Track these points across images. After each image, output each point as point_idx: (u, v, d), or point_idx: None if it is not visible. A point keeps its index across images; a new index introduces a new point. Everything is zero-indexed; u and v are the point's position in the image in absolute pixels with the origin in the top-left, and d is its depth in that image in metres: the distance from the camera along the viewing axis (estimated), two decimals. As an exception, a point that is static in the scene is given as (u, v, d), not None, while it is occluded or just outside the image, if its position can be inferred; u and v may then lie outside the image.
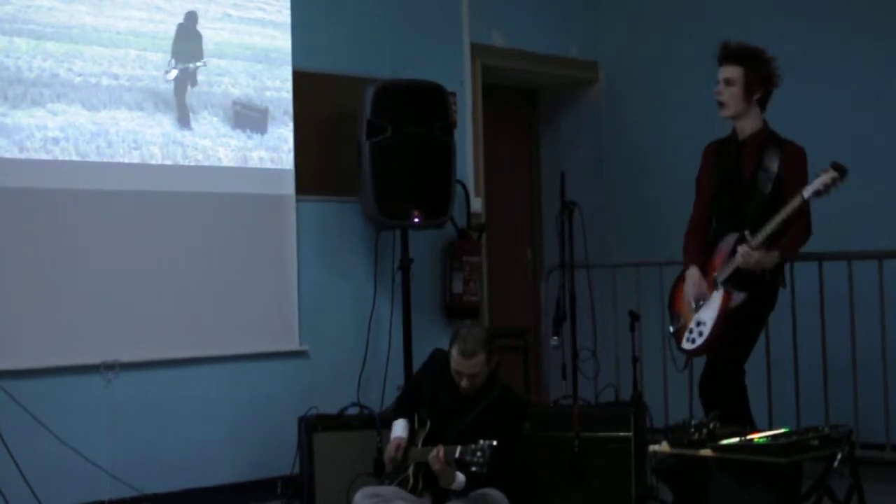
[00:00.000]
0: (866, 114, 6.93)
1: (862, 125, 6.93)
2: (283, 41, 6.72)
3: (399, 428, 5.19)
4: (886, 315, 6.30)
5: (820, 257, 6.25)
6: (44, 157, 5.85)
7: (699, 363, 5.51)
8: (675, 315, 5.38)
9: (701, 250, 5.32)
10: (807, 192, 4.91)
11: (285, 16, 6.73)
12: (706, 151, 5.43)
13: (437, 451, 4.71)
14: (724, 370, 5.23)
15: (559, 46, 8.27)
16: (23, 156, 5.79)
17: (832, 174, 4.86)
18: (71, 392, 5.84)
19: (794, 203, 4.94)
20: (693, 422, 4.69)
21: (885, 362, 6.29)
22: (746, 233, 5.06)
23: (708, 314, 5.18)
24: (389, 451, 5.11)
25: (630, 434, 5.45)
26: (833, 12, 7.13)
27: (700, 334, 5.19)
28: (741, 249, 5.04)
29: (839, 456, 4.49)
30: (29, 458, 5.57)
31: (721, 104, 5.23)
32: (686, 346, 5.28)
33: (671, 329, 5.38)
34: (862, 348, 6.34)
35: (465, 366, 4.93)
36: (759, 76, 5.18)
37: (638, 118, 8.16)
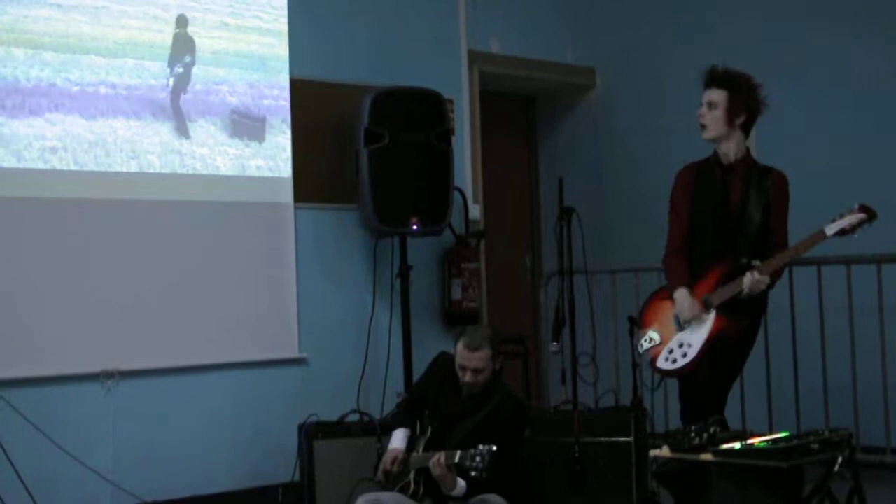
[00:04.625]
0: (864, 117, 6.93)
1: (860, 129, 6.94)
2: (280, 49, 6.72)
3: (397, 439, 5.18)
4: (886, 319, 6.31)
5: (819, 262, 6.26)
6: (42, 166, 5.86)
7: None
8: (646, 331, 5.29)
9: (687, 272, 5.25)
10: (830, 229, 4.87)
11: (282, 24, 6.74)
12: (683, 173, 5.38)
13: (438, 457, 4.71)
14: (712, 393, 5.22)
15: (556, 53, 8.29)
16: (21, 165, 5.79)
17: (860, 216, 4.84)
18: (71, 400, 5.84)
19: (813, 238, 4.90)
20: (693, 426, 4.69)
21: (885, 366, 6.30)
22: (756, 262, 5.02)
23: (695, 336, 5.12)
24: (385, 462, 5.11)
25: (630, 439, 5.44)
26: (831, 20, 7.13)
27: (683, 355, 5.12)
28: (753, 276, 4.97)
29: (840, 460, 4.49)
30: (29, 467, 5.57)
31: (703, 126, 5.23)
32: (665, 365, 5.19)
33: (643, 347, 5.28)
34: (861, 352, 6.34)
35: (470, 359, 4.94)
36: (743, 102, 5.17)
37: (635, 124, 8.17)
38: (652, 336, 5.27)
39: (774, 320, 5.50)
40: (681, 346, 5.15)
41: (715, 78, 5.22)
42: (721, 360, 5.13)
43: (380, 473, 5.13)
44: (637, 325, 5.67)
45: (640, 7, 8.21)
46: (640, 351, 5.32)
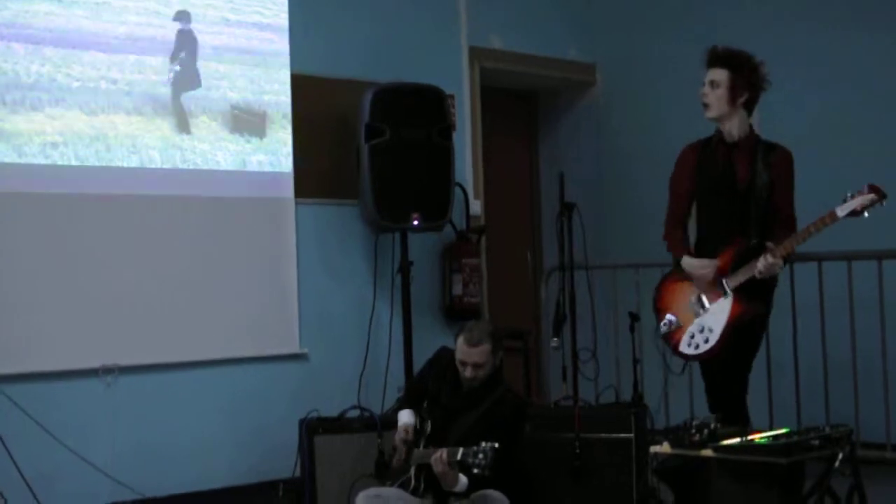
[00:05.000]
0: (866, 112, 6.93)
1: (862, 123, 6.93)
2: (281, 45, 6.72)
3: (406, 415, 5.19)
4: (886, 315, 6.31)
5: (820, 258, 6.25)
6: (42, 161, 5.85)
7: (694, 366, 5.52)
8: (664, 315, 5.33)
9: (685, 240, 5.37)
10: (841, 211, 4.88)
11: (283, 19, 6.73)
12: (687, 152, 5.42)
13: (440, 454, 4.71)
14: (732, 378, 5.23)
15: (557, 49, 8.28)
16: (22, 161, 5.79)
17: (871, 196, 4.85)
18: (71, 395, 5.84)
19: (825, 220, 4.90)
20: (694, 422, 4.69)
21: (886, 362, 6.30)
22: (769, 244, 5.05)
23: (716, 320, 5.16)
24: (399, 434, 5.10)
25: (631, 435, 5.44)
26: (834, 15, 7.12)
27: (706, 340, 5.16)
28: (766, 260, 5.00)
29: (840, 456, 4.49)
30: (29, 462, 5.57)
31: (706, 105, 5.27)
32: (688, 350, 5.24)
33: (662, 330, 5.34)
34: (862, 348, 6.34)
35: (470, 354, 4.95)
36: (745, 80, 5.21)
37: (636, 120, 8.16)
38: (671, 319, 5.30)
39: (775, 316, 5.49)
40: (702, 330, 5.19)
41: (716, 57, 5.26)
42: (739, 343, 5.17)
43: (399, 447, 5.11)
44: (637, 319, 5.71)
45: (642, 3, 8.20)
46: (660, 333, 5.35)
